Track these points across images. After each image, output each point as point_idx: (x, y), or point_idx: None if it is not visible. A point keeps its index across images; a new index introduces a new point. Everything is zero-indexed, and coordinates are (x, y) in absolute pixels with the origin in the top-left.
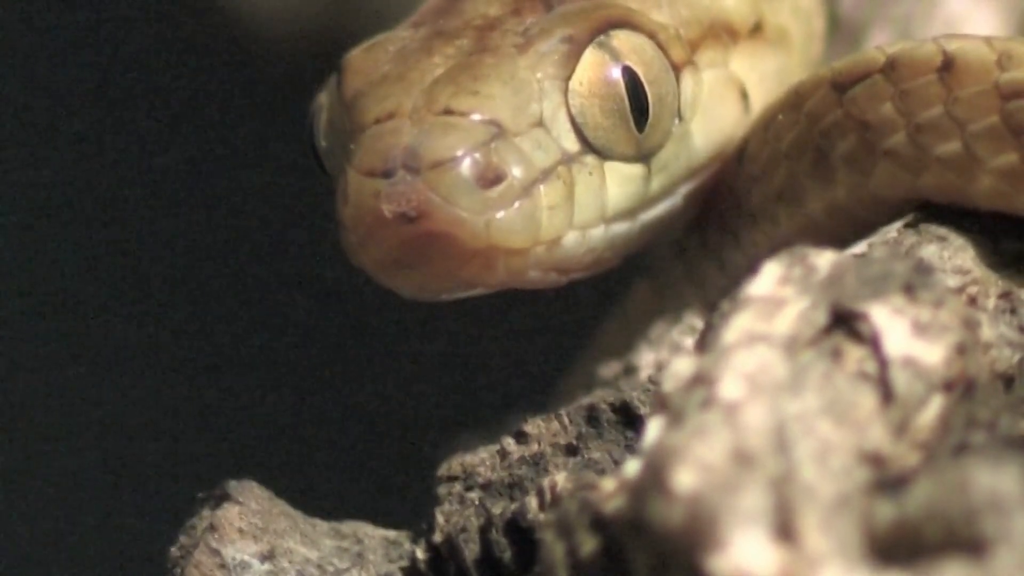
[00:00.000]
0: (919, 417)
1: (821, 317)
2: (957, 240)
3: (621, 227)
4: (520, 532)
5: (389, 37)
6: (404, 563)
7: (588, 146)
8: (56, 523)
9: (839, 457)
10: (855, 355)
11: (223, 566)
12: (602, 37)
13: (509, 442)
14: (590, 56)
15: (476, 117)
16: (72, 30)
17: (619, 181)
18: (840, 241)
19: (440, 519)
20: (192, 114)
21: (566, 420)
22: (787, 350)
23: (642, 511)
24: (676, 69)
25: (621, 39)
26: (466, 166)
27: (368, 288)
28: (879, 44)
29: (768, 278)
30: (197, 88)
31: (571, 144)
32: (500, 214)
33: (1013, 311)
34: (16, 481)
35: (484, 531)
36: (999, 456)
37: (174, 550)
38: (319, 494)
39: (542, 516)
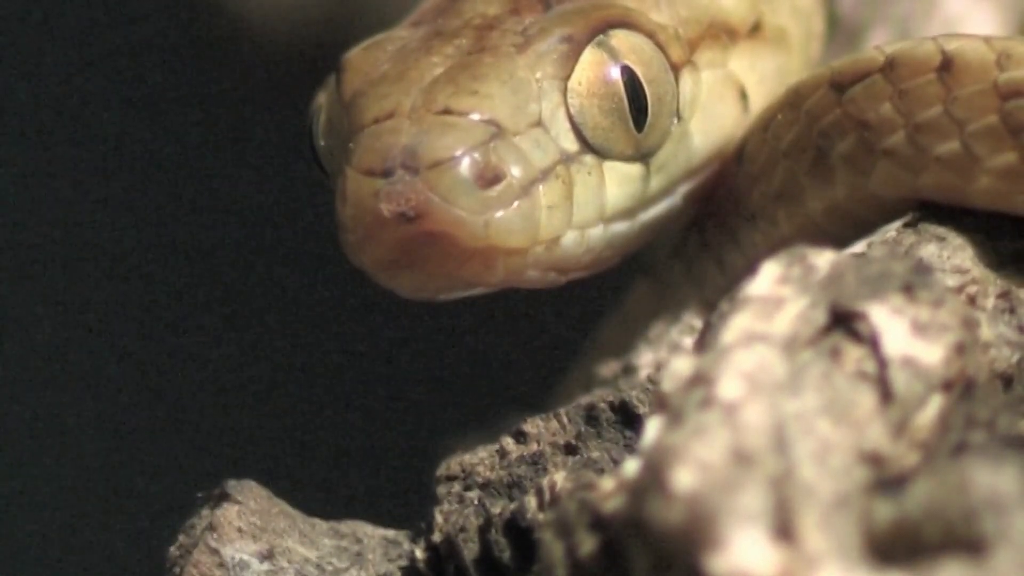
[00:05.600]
0: (918, 417)
1: (820, 317)
2: (956, 240)
3: (620, 227)
4: (519, 532)
5: (388, 36)
6: (403, 562)
7: (587, 146)
8: (56, 523)
9: (838, 457)
10: (854, 355)
11: (222, 565)
12: (601, 37)
13: (508, 442)
14: (589, 56)
15: (475, 117)
16: (72, 29)
17: (618, 181)
18: (839, 241)
19: (439, 519)
20: (191, 113)
21: (565, 419)
22: (786, 350)
23: (641, 511)
24: (675, 69)
25: (620, 39)
26: (465, 166)
27: (368, 288)
28: (878, 44)
29: (767, 278)
30: (196, 87)
31: (570, 144)
32: (499, 214)
33: (1012, 310)
34: (16, 481)
35: (483, 531)
36: (998, 456)
37: (173, 549)
38: (319, 494)
39: (541, 516)
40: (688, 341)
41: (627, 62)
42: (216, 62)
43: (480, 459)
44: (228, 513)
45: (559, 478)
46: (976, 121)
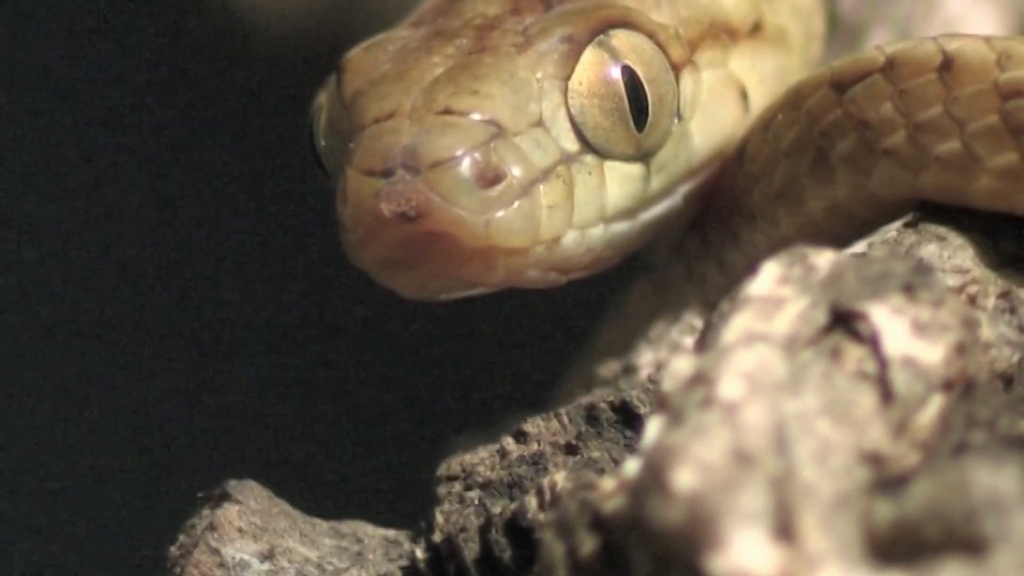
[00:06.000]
0: (919, 417)
1: (821, 316)
2: (957, 239)
3: (621, 227)
4: (520, 532)
5: (389, 36)
6: (404, 562)
7: (587, 146)
8: (56, 523)
9: (839, 457)
10: (855, 355)
11: (223, 565)
12: (601, 36)
13: (509, 442)
14: (589, 56)
15: (476, 117)
16: (72, 29)
17: (619, 181)
18: (840, 241)
19: (440, 519)
20: (191, 113)
21: (566, 419)
22: (786, 349)
23: (641, 511)
24: (675, 69)
25: (620, 38)
26: (466, 166)
27: (368, 288)
28: (878, 44)
29: (767, 277)
30: (197, 87)
31: (570, 144)
32: (500, 214)
33: (1012, 310)
34: (16, 481)
35: (484, 531)
36: (999, 456)
37: (174, 549)
38: (319, 494)
39: (542, 516)
40: (688, 341)
41: (628, 62)
42: (216, 62)
43: (480, 459)
44: (228, 513)
45: (559, 478)
46: (976, 121)
